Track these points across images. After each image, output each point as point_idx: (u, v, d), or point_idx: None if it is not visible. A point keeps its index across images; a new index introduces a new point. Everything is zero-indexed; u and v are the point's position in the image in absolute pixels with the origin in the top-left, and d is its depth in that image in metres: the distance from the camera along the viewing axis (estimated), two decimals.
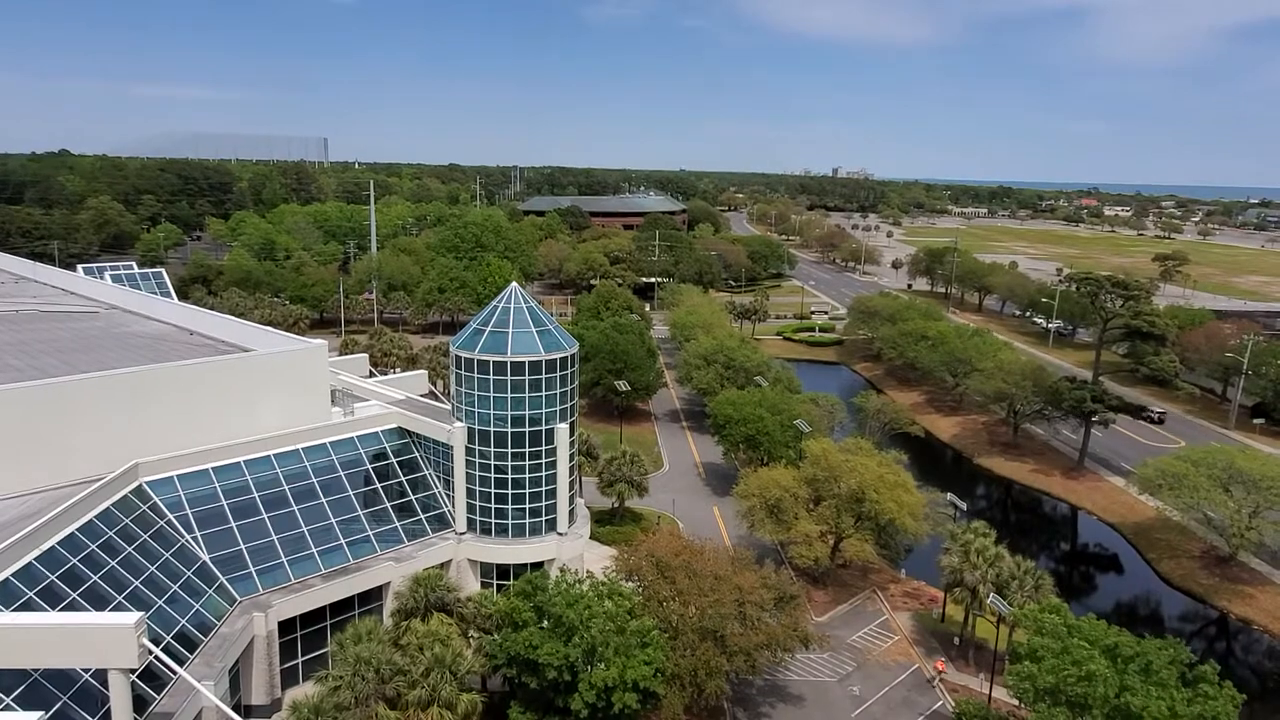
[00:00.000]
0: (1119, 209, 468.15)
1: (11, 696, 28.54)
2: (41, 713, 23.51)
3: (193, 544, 41.23)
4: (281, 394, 48.86)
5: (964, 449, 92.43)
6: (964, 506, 63.23)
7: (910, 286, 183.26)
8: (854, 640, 52.59)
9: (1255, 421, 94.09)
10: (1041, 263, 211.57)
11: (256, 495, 44.81)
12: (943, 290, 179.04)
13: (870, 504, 55.82)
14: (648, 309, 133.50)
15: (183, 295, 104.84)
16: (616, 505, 66.24)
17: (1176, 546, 68.47)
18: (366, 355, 75.89)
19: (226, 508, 43.46)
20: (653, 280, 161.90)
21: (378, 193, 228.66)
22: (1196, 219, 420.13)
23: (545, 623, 38.38)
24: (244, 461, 45.51)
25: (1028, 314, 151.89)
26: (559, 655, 36.14)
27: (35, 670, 29.75)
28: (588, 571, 44.49)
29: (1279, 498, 60.50)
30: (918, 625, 55.21)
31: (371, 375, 66.68)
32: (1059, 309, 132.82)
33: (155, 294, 76.89)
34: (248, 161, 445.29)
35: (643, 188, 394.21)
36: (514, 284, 51.93)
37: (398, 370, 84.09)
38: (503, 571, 48.79)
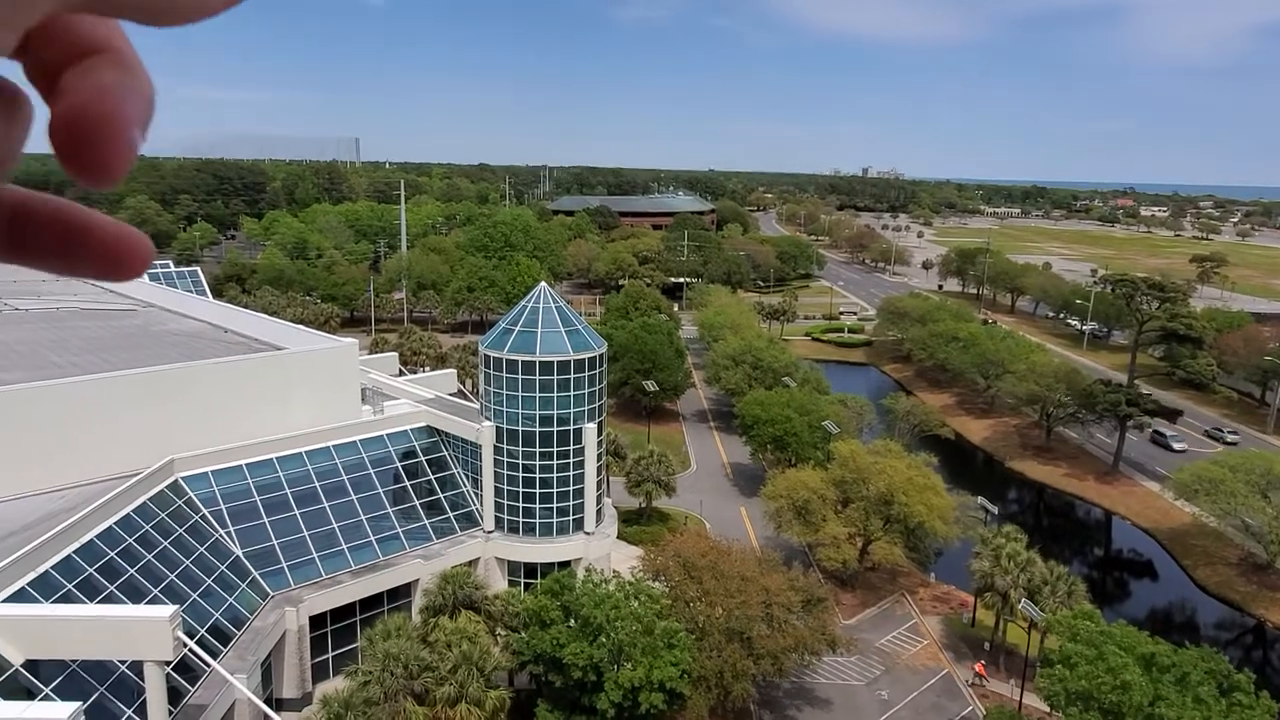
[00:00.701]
0: (1155, 209, 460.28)
1: (50, 687, 29.15)
2: (79, 703, 24.03)
3: (226, 539, 41.86)
4: (313, 392, 49.47)
5: (995, 452, 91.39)
6: (995, 510, 62.53)
7: (941, 287, 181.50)
8: (882, 644, 52.20)
9: None
10: (1076, 264, 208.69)
11: (288, 492, 45.41)
12: (974, 291, 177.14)
13: (899, 507, 55.37)
14: (676, 309, 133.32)
15: (217, 293, 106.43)
16: (644, 505, 66.28)
17: (1213, 553, 67.23)
18: (396, 354, 76.58)
19: (259, 503, 44.09)
20: (681, 280, 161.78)
21: (408, 192, 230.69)
22: (1235, 220, 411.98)
23: (572, 622, 38.53)
24: (276, 458, 46.13)
25: (1061, 316, 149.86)
26: (585, 655, 36.26)
27: (74, 661, 30.36)
28: (614, 571, 44.59)
29: None
30: (947, 630, 54.68)
31: (401, 374, 67.27)
32: (1094, 311, 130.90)
33: (191, 292, 78.16)
34: (281, 161, 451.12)
35: (671, 188, 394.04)
36: (542, 283, 52.17)
37: (427, 369, 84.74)
38: (530, 570, 49.02)
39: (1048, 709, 40.99)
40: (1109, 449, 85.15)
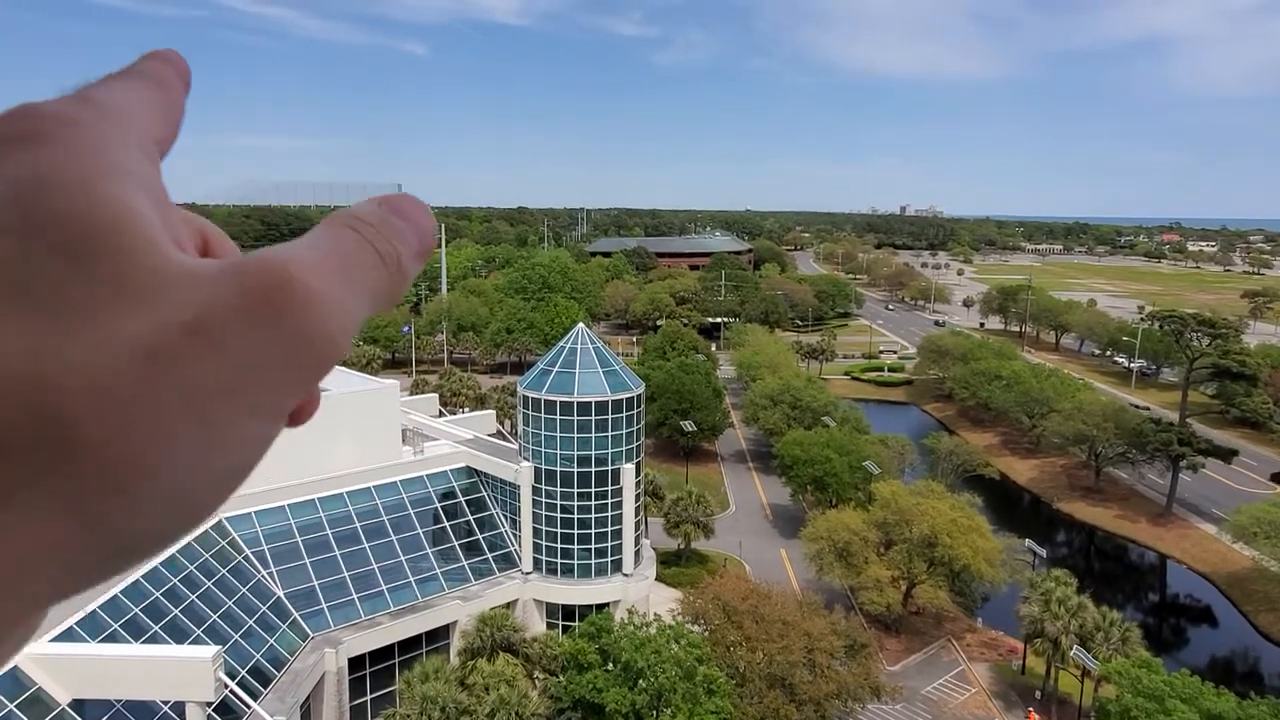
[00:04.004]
0: (1203, 244, 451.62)
1: None
2: None
3: (268, 579, 42.20)
4: (355, 433, 50.02)
5: (1042, 493, 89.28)
6: (1043, 553, 61.00)
7: (982, 325, 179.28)
8: (929, 691, 50.77)
9: None
10: (1121, 300, 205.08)
11: (329, 532, 45.75)
12: (1017, 329, 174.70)
13: (943, 549, 54.19)
14: (714, 349, 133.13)
15: None
16: (683, 546, 65.65)
17: (1275, 599, 64.66)
18: (436, 395, 77.29)
19: (301, 544, 44.46)
20: (718, 320, 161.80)
21: (448, 235, 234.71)
22: None
23: (611, 665, 38.08)
24: (318, 499, 46.59)
25: (1108, 353, 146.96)
26: (625, 700, 35.75)
27: (118, 701, 30.66)
28: (654, 614, 44.09)
29: None
30: (996, 677, 53.06)
31: (441, 414, 67.82)
32: (1141, 348, 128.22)
33: None
34: (326, 207, 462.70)
35: (708, 228, 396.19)
36: (580, 324, 52.49)
37: (466, 410, 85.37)
38: (568, 612, 48.65)
39: None
40: (1162, 490, 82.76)
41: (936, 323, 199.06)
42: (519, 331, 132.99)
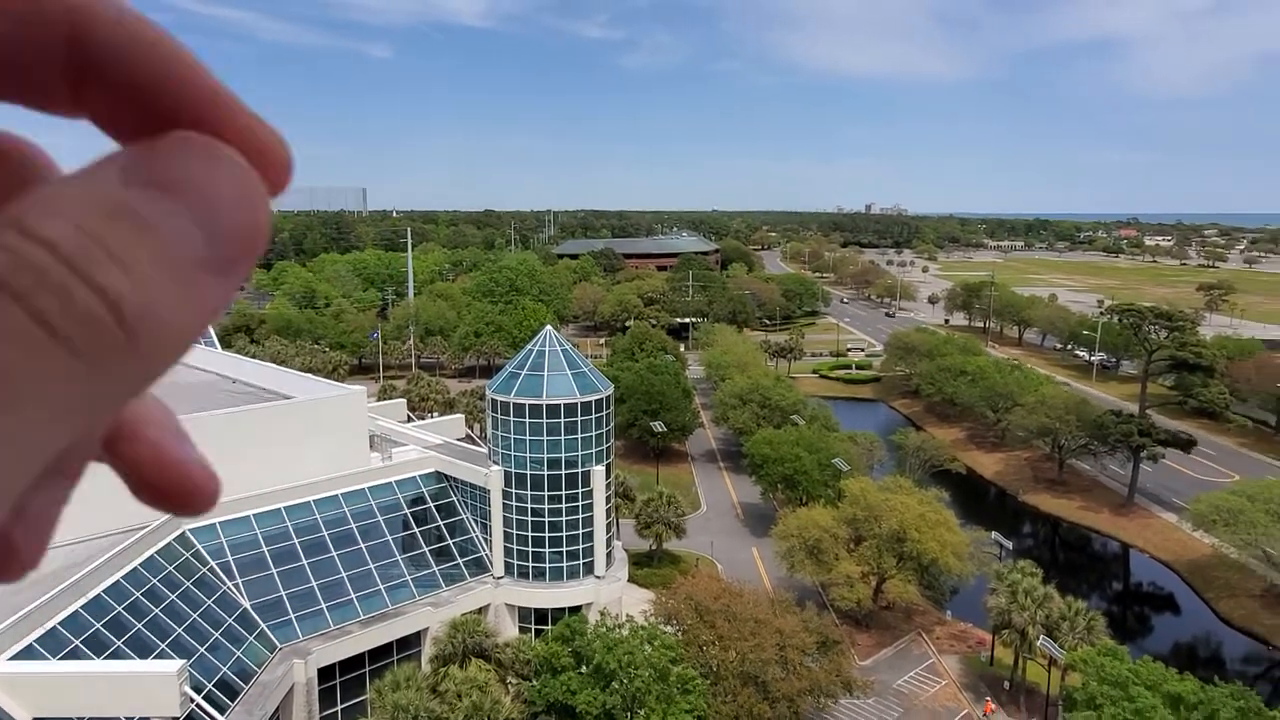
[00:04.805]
0: (1160, 239, 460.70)
1: None
2: None
3: (234, 590, 41.57)
4: (321, 440, 49.45)
5: (1007, 486, 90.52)
6: (1009, 545, 61.79)
7: (947, 321, 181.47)
8: (900, 685, 51.24)
9: None
10: (1082, 295, 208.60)
11: (296, 541, 45.16)
12: (981, 325, 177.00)
13: (912, 544, 54.75)
14: (682, 349, 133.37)
15: (225, 344, 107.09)
16: (654, 547, 65.68)
17: (1235, 585, 66.10)
18: (404, 400, 76.61)
19: (267, 554, 43.84)
20: (687, 320, 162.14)
21: (415, 239, 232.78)
22: (1241, 247, 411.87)
23: (584, 668, 37.99)
24: (284, 508, 45.97)
25: (1069, 347, 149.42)
26: (598, 702, 35.69)
27: (81, 718, 30.02)
28: (627, 615, 44.05)
29: None
30: (966, 668, 53.70)
31: (409, 420, 67.26)
32: (1101, 341, 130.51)
33: (199, 343, 78.52)
34: (289, 213, 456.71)
35: (675, 228, 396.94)
36: (548, 327, 52.36)
37: (435, 414, 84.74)
38: (540, 616, 48.48)
39: None
40: (1123, 480, 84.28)
41: (887, 313, 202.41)
42: (487, 335, 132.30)
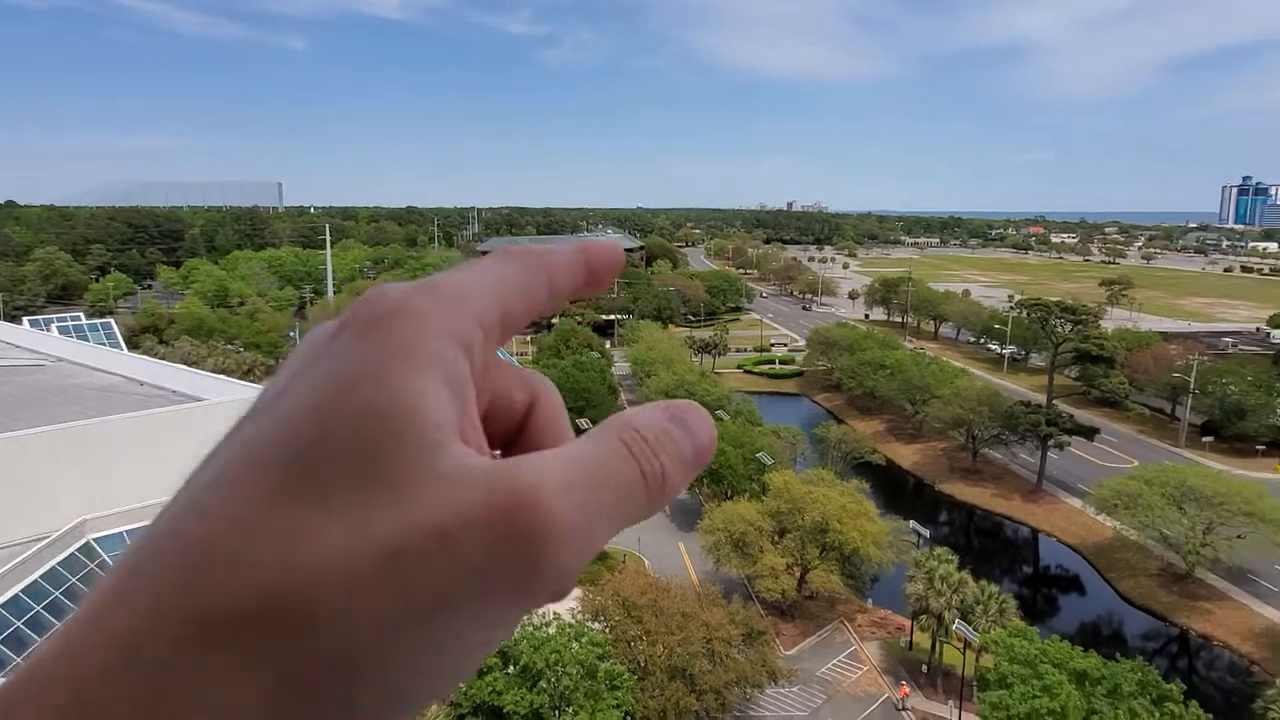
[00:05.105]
0: (1065, 236, 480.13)
1: None
2: None
3: None
4: None
5: (925, 476, 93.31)
6: (927, 533, 63.78)
7: (867, 316, 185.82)
8: (823, 672, 52.41)
9: (1204, 439, 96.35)
10: (994, 290, 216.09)
11: None
12: (899, 320, 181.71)
13: (834, 534, 56.02)
14: (608, 346, 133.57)
15: (133, 345, 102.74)
16: None
17: (1135, 565, 69.53)
18: None
19: None
20: (612, 317, 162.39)
21: (334, 236, 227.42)
22: (1139, 244, 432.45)
23: (511, 668, 37.77)
24: None
25: (982, 340, 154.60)
26: (525, 702, 35.54)
27: None
28: (554, 614, 43.94)
29: (1231, 514, 61.86)
30: (886, 654, 55.22)
31: None
32: (1011, 335, 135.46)
33: (104, 345, 75.24)
34: (200, 208, 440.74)
35: (600, 226, 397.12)
36: None
37: None
38: None
39: None
40: (1032, 468, 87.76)
41: (803, 307, 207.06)
42: None
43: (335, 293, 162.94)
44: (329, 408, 0.69)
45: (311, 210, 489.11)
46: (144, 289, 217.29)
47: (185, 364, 77.61)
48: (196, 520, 0.67)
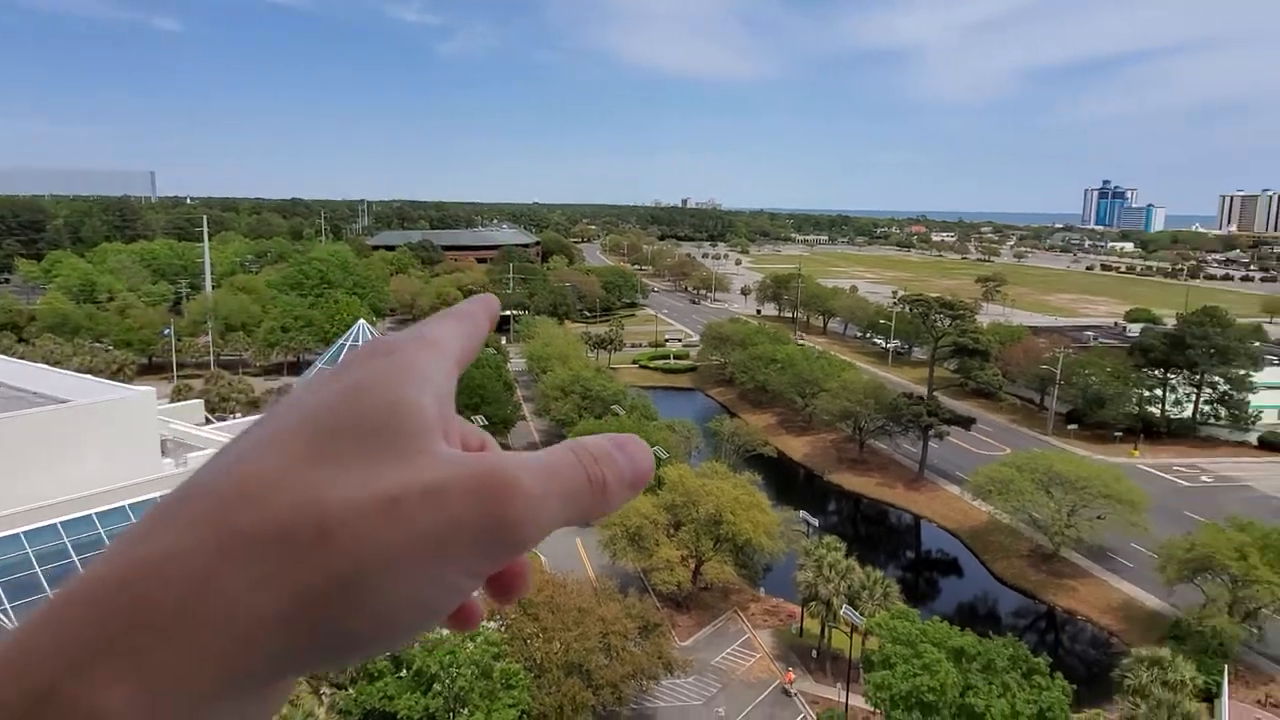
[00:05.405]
0: (945, 235, 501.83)
1: None
2: None
3: (1, 618, 37.36)
4: (103, 448, 45.28)
5: (814, 467, 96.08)
6: (816, 522, 65.79)
7: (759, 312, 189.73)
8: (718, 661, 53.40)
9: (1069, 427, 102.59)
10: (879, 286, 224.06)
11: (76, 559, 41.10)
12: (790, 315, 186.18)
13: (727, 526, 57.10)
14: (504, 342, 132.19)
15: None
16: None
17: (1008, 547, 73.48)
18: (201, 401, 71.49)
19: (41, 575, 39.68)
20: (508, 313, 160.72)
21: (213, 229, 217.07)
22: (1012, 243, 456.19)
23: (403, 672, 37.03)
24: (60, 523, 41.72)
25: (867, 335, 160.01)
26: (419, 707, 34.90)
27: None
28: None
29: (1092, 496, 66.11)
30: (778, 641, 56.69)
31: (208, 422, 62.84)
32: (895, 329, 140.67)
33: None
34: (64, 197, 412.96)
35: (495, 221, 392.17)
36: (361, 321, 50.54)
37: (238, 415, 79.61)
38: None
39: (872, 708, 43.23)
40: (915, 457, 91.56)
41: (692, 300, 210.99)
42: (295, 330, 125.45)
43: (214, 287, 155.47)
44: (351, 402, 0.93)
45: (188, 201, 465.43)
46: (1, 283, 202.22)
47: (48, 363, 72.74)
48: (239, 466, 0.87)
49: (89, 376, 59.89)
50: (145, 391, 49.33)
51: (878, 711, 42.30)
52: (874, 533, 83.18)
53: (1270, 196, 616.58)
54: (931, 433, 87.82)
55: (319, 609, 0.81)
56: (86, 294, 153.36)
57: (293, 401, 0.97)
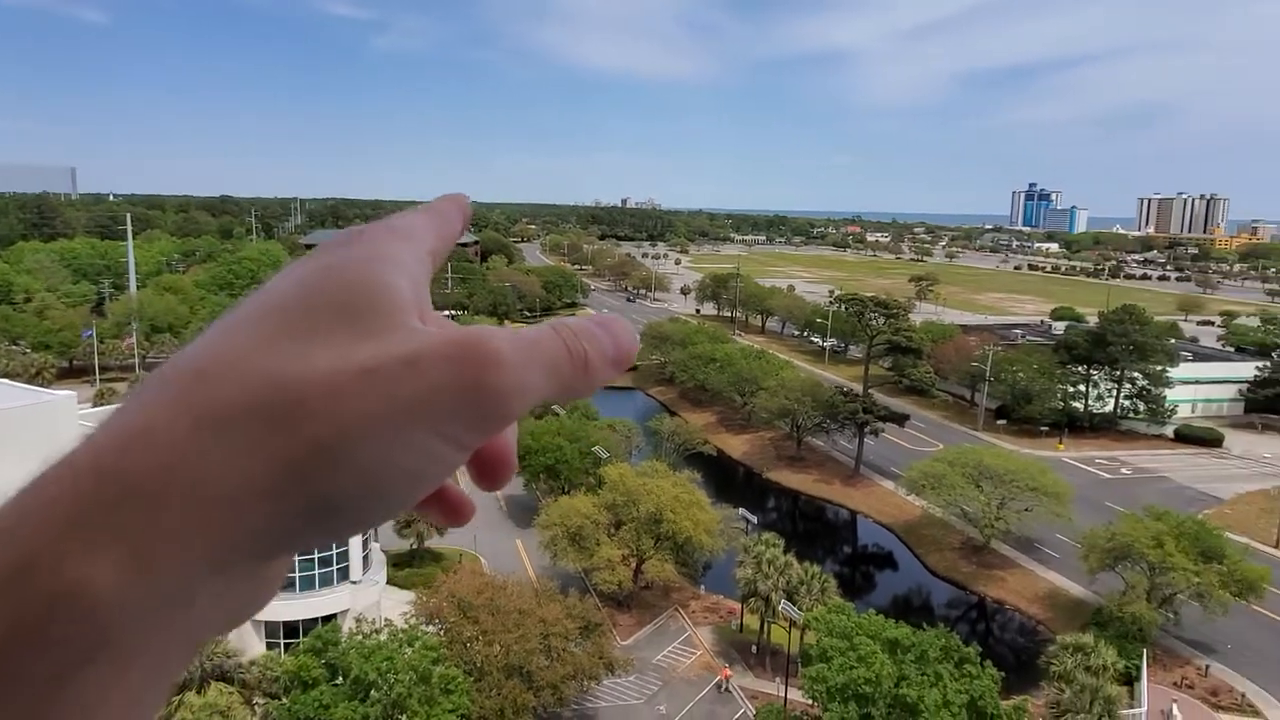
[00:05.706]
0: (879, 235, 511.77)
1: None
2: None
3: None
4: (20, 455, 43.38)
5: (753, 465, 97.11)
6: (755, 520, 66.51)
7: (699, 311, 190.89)
8: (659, 660, 53.65)
9: (999, 422, 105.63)
10: (816, 285, 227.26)
11: None
12: (729, 314, 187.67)
13: (668, 524, 57.42)
14: None
15: None
16: (415, 546, 64.07)
17: (940, 540, 75.33)
18: None
19: None
20: (447, 313, 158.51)
21: (137, 227, 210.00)
22: (944, 243, 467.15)
23: (340, 680, 36.39)
24: None
25: (805, 334, 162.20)
26: (356, 715, 34.35)
27: None
28: (385, 620, 42.67)
29: (1020, 489, 68.18)
30: (718, 638, 57.20)
31: None
32: (832, 328, 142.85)
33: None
34: None
35: None
36: None
37: None
38: (291, 629, 45.80)
39: (810, 701, 43.93)
40: (851, 454, 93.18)
41: (628, 299, 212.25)
42: None
43: (140, 287, 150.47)
44: (323, 281, 0.92)
45: (111, 198, 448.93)
46: None
47: None
48: (210, 349, 0.86)
49: (5, 380, 57.33)
50: (66, 395, 47.53)
51: (815, 704, 43.01)
52: (812, 529, 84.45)
53: (1185, 200, 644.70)
54: (867, 429, 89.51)
55: (302, 477, 0.80)
56: (2, 295, 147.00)
57: (264, 287, 0.96)
